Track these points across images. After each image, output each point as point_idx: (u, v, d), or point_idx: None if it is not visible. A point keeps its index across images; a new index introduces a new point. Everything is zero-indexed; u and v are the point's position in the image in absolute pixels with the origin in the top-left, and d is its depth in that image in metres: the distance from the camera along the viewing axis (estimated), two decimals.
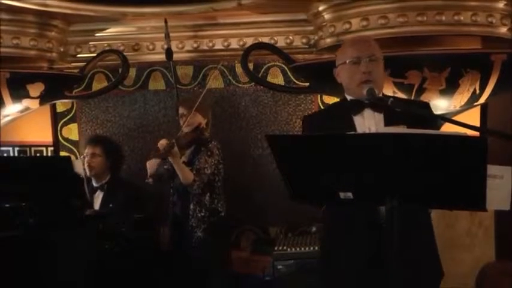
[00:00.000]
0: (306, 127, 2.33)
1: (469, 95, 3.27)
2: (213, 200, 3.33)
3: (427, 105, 2.35)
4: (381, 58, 2.21)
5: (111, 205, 3.52)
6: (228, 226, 3.53)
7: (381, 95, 2.21)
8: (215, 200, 3.34)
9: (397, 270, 1.69)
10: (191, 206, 3.29)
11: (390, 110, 2.07)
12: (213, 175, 3.31)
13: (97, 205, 3.60)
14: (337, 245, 2.20)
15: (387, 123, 2.12)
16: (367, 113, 2.18)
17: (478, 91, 3.27)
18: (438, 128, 2.57)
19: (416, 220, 2.09)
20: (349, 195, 1.72)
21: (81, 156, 3.74)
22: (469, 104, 3.39)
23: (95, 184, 3.66)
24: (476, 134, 2.18)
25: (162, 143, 3.16)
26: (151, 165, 3.26)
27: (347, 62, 2.20)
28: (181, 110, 3.42)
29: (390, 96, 2.20)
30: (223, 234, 3.44)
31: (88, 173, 3.64)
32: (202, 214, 3.29)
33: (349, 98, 2.26)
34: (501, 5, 3.29)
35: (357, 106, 2.19)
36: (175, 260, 3.39)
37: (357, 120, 2.18)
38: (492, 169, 1.66)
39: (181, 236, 3.34)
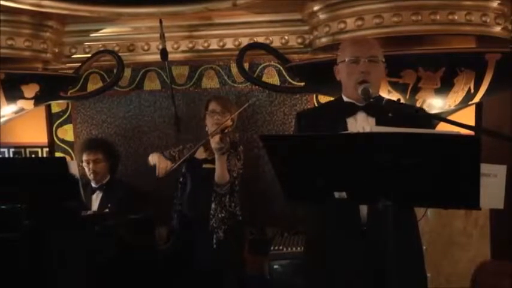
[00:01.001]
0: (298, 123, 2.32)
1: (464, 94, 3.28)
2: (231, 203, 3.29)
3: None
4: (381, 60, 2.21)
5: (109, 204, 3.53)
6: (244, 229, 3.50)
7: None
8: (232, 204, 3.30)
9: (391, 271, 1.70)
10: (212, 206, 3.23)
11: (383, 115, 2.08)
12: (234, 179, 3.28)
13: (96, 205, 3.61)
14: (325, 246, 2.17)
15: None
16: (360, 116, 2.19)
17: (472, 90, 3.28)
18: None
19: (409, 220, 2.09)
20: (344, 195, 1.73)
21: (81, 163, 3.68)
22: (464, 103, 3.40)
23: (94, 185, 3.67)
24: (471, 133, 2.18)
25: (216, 139, 3.03)
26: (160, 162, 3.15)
27: (346, 60, 2.20)
28: (212, 106, 3.33)
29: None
30: (240, 236, 3.40)
31: (92, 179, 3.63)
32: (223, 215, 3.24)
33: (345, 99, 2.26)
34: (495, 4, 3.30)
35: (351, 108, 2.20)
36: (181, 260, 3.37)
37: (350, 122, 2.18)
38: (486, 168, 1.66)
39: (196, 235, 3.29)
